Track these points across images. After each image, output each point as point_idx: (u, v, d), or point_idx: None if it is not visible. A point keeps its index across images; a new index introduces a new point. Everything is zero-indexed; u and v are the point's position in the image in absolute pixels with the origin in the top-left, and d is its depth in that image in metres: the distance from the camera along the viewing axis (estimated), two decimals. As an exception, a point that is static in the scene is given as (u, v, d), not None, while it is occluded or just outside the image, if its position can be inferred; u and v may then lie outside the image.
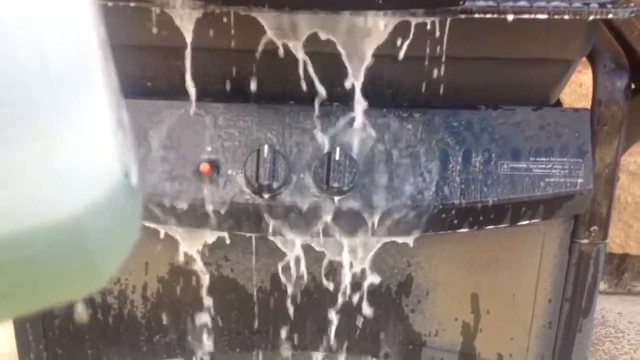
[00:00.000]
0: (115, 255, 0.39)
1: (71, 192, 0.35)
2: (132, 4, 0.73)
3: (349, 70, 0.78)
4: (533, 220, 0.84)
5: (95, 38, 0.37)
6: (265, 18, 0.74)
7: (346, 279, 0.89)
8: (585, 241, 0.88)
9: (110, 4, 0.73)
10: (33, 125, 0.33)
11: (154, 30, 0.76)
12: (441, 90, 0.83)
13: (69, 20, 0.35)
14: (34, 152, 0.33)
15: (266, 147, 0.79)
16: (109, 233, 0.37)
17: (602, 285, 1.57)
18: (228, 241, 0.87)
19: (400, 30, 0.75)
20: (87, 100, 0.36)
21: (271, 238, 0.85)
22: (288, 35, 0.76)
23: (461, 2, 0.69)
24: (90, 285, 0.39)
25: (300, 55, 0.77)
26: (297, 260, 0.88)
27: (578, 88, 1.31)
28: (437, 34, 0.75)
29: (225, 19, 0.75)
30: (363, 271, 0.89)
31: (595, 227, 0.87)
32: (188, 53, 0.79)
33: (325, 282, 0.90)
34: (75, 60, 0.35)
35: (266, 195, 0.80)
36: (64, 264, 0.36)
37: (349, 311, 0.92)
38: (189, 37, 0.76)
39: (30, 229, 0.34)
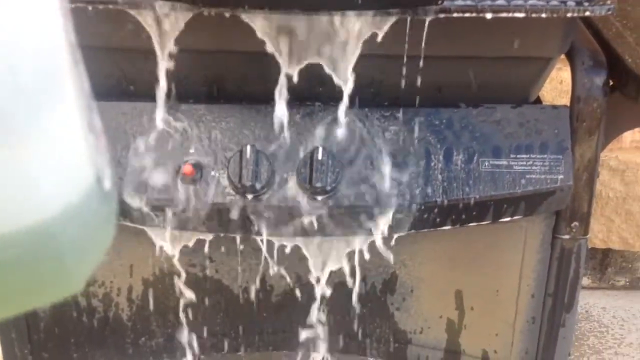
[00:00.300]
0: (88, 260, 0.39)
1: (41, 198, 0.35)
2: (110, 7, 0.73)
3: (330, 70, 0.78)
4: (515, 217, 0.85)
5: (64, 43, 0.36)
6: (246, 19, 0.74)
7: (331, 278, 0.89)
8: (567, 237, 0.88)
9: (89, 7, 0.73)
10: (1, 132, 0.33)
11: (135, 32, 0.76)
12: (422, 89, 0.83)
13: (38, 28, 0.35)
14: (3, 159, 0.33)
15: (249, 147, 0.79)
16: (81, 238, 0.37)
17: (585, 281, 1.59)
18: (212, 242, 0.87)
19: (380, 29, 0.75)
20: (56, 105, 0.35)
21: (255, 239, 0.86)
22: (269, 36, 0.76)
23: (439, 2, 0.69)
24: (63, 290, 0.39)
25: (282, 56, 0.78)
26: (282, 261, 0.88)
27: (559, 85, 1.32)
28: (417, 33, 0.76)
29: (206, 21, 0.75)
30: (347, 270, 0.90)
31: (576, 223, 0.88)
32: (168, 55, 0.79)
33: (309, 282, 0.90)
34: (44, 67, 0.35)
35: (250, 196, 0.81)
36: (35, 270, 0.36)
37: (334, 311, 0.92)
38: (170, 40, 0.76)
39: (1, 235, 0.34)
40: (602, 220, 1.49)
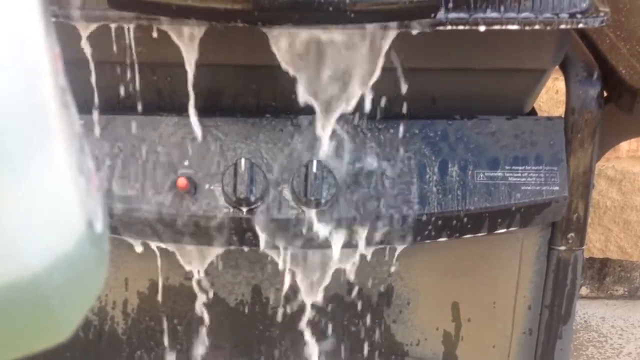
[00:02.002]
0: (78, 306, 0.38)
1: (28, 250, 0.34)
2: (110, 21, 0.73)
3: (324, 83, 0.78)
4: (510, 229, 0.85)
5: (51, 89, 0.36)
6: (240, 33, 0.74)
7: (326, 291, 0.89)
8: (563, 248, 0.88)
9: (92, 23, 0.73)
10: None
11: (131, 46, 0.76)
12: (416, 101, 0.83)
13: (21, 77, 0.34)
14: None
15: (243, 160, 0.79)
16: (71, 285, 0.36)
17: (584, 290, 1.58)
18: (207, 255, 0.87)
19: (374, 42, 0.76)
20: (42, 154, 0.35)
21: (250, 251, 0.86)
22: (264, 50, 0.76)
23: (432, 15, 0.70)
24: (53, 338, 0.38)
25: (277, 69, 0.78)
26: (277, 273, 0.88)
27: (555, 95, 1.33)
28: (411, 45, 0.76)
29: (202, 36, 0.75)
30: (343, 283, 0.89)
31: (572, 234, 0.88)
32: (166, 69, 0.79)
33: (305, 294, 0.90)
34: (29, 116, 0.34)
35: (244, 209, 0.81)
36: (23, 320, 0.35)
37: (330, 323, 0.92)
38: (161, 54, 0.77)
39: None
40: (600, 230, 1.49)
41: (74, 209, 0.37)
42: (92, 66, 0.78)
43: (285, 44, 0.75)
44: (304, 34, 0.74)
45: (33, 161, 0.34)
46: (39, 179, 0.34)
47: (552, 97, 1.33)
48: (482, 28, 0.73)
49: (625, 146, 1.40)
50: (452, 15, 0.73)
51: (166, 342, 0.93)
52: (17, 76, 0.33)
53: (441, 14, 0.72)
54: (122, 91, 0.82)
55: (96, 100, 0.81)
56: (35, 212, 0.34)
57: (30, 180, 0.34)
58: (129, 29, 0.75)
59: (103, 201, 0.40)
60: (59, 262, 0.35)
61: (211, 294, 0.90)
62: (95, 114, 0.81)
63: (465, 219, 0.82)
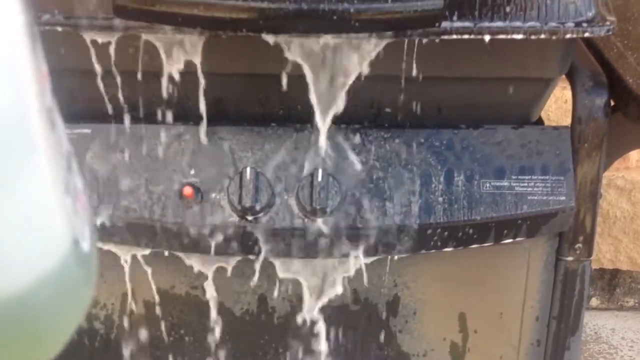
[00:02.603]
0: (63, 325, 0.38)
1: (12, 269, 0.34)
2: (115, 29, 0.74)
3: (330, 92, 0.78)
4: (517, 239, 0.84)
5: (37, 108, 0.35)
6: (246, 42, 0.74)
7: (332, 300, 0.89)
8: (571, 258, 0.88)
9: (89, 32, 0.74)
10: None
11: (135, 55, 0.77)
12: (422, 110, 0.83)
13: (6, 96, 0.34)
14: None
15: (248, 169, 0.80)
16: (56, 305, 0.36)
17: (594, 301, 1.57)
18: (213, 264, 0.87)
19: (380, 51, 0.76)
20: (26, 173, 0.34)
21: (256, 260, 0.85)
22: (269, 58, 0.77)
23: (437, 24, 0.70)
24: (38, 356, 0.37)
25: (282, 78, 0.78)
26: (282, 282, 0.88)
27: (563, 104, 1.32)
28: (416, 54, 0.76)
29: (207, 44, 0.76)
30: (348, 292, 0.89)
31: (580, 245, 0.87)
32: (171, 77, 0.79)
33: (311, 303, 0.89)
34: (14, 136, 0.34)
35: (250, 218, 0.81)
36: (7, 340, 0.35)
37: (336, 332, 0.92)
38: (170, 62, 0.77)
39: None
40: (610, 240, 1.48)
41: (59, 228, 0.36)
42: (99, 75, 0.78)
43: (290, 52, 0.75)
44: (309, 42, 0.74)
45: (17, 180, 0.34)
46: (23, 198, 0.34)
47: (560, 106, 1.33)
48: (487, 37, 0.73)
49: (634, 156, 1.39)
50: (457, 24, 0.73)
51: (172, 351, 0.93)
52: (1, 96, 0.33)
53: (446, 23, 0.72)
54: (128, 100, 0.82)
55: (103, 109, 0.81)
56: (19, 231, 0.34)
57: (15, 199, 0.34)
58: (134, 38, 0.75)
59: (91, 220, 0.39)
60: (43, 281, 0.35)
61: (217, 304, 0.90)
62: (103, 123, 0.82)
63: (471, 229, 0.82)
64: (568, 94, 1.30)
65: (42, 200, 0.35)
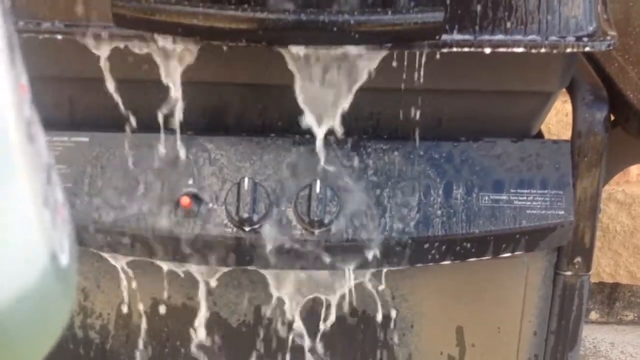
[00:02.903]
0: (41, 341, 0.37)
1: None
2: (113, 38, 0.74)
3: (329, 103, 0.78)
4: (516, 253, 0.84)
5: (14, 121, 0.35)
6: (244, 52, 0.74)
7: (329, 312, 0.88)
8: (569, 273, 0.87)
9: (90, 39, 0.74)
10: None
11: (134, 64, 0.77)
12: (422, 123, 0.83)
13: None
14: None
15: (246, 179, 0.79)
16: (34, 321, 0.35)
17: (593, 315, 1.56)
18: (209, 274, 0.86)
19: (379, 63, 0.75)
20: (1, 187, 0.34)
21: (253, 271, 0.85)
22: (268, 69, 0.76)
23: (437, 37, 0.69)
24: None
25: (282, 88, 0.78)
26: (279, 293, 0.87)
27: (564, 117, 1.32)
28: (416, 67, 0.75)
29: (206, 54, 0.75)
30: (346, 304, 0.88)
31: (579, 259, 0.86)
32: (170, 87, 0.79)
33: (308, 315, 0.89)
34: None
35: (247, 229, 0.80)
36: None
37: (333, 346, 0.91)
38: (167, 72, 0.77)
39: None
40: (610, 254, 1.47)
41: (36, 243, 0.36)
42: (97, 84, 0.78)
43: (290, 63, 0.75)
44: (309, 53, 0.74)
45: None
46: None
47: (561, 119, 1.32)
48: (487, 50, 0.73)
49: (635, 170, 1.39)
50: (458, 37, 0.72)
51: (167, 361, 0.92)
52: None
53: (446, 36, 0.72)
54: (126, 109, 0.82)
55: (101, 117, 0.81)
56: None
57: None
58: (132, 46, 0.75)
59: (71, 232, 0.39)
60: (20, 297, 0.34)
61: (213, 314, 0.90)
62: (101, 132, 0.81)
63: (470, 243, 0.82)
64: (569, 107, 1.30)
65: (19, 214, 0.35)
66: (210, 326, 0.90)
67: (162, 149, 0.82)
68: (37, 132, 0.37)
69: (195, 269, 0.85)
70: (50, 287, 0.36)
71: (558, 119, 1.32)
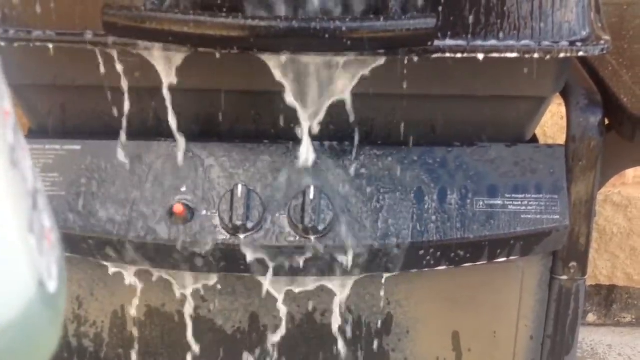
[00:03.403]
0: None
1: None
2: (107, 46, 0.73)
3: (322, 109, 0.78)
4: (511, 257, 0.83)
5: None
6: (237, 59, 0.74)
7: (324, 318, 0.88)
8: (565, 277, 0.87)
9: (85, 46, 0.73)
10: None
11: (128, 72, 0.76)
12: (415, 128, 0.83)
13: None
14: None
15: (240, 186, 0.79)
16: (21, 350, 0.35)
17: (591, 317, 1.56)
18: (204, 282, 0.86)
19: (373, 69, 0.75)
20: None
21: (247, 278, 0.85)
22: (261, 76, 0.76)
23: (429, 43, 0.69)
24: None
25: (275, 94, 0.77)
26: (274, 300, 0.87)
27: (560, 120, 1.31)
28: (409, 73, 0.75)
29: (199, 60, 0.75)
30: (341, 310, 0.88)
31: (575, 263, 0.86)
32: (163, 94, 0.79)
33: (303, 322, 0.89)
34: None
35: (241, 236, 0.80)
36: None
37: (328, 351, 0.91)
38: (161, 78, 0.76)
39: None
40: (607, 257, 1.47)
41: (22, 271, 0.35)
42: (88, 91, 0.78)
43: (282, 70, 0.75)
44: (302, 59, 0.74)
45: None
46: None
47: (557, 122, 1.32)
48: (480, 56, 0.72)
49: (631, 172, 1.39)
50: (450, 42, 0.72)
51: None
52: None
53: (439, 42, 0.72)
54: (119, 116, 0.82)
55: (93, 125, 0.81)
56: None
57: None
58: (124, 54, 0.75)
59: (60, 257, 0.38)
60: (5, 326, 0.34)
61: (207, 321, 0.89)
62: (93, 140, 0.81)
63: (465, 248, 0.81)
64: (564, 110, 1.30)
65: (2, 241, 0.34)
66: (204, 333, 0.90)
67: (154, 157, 0.81)
68: (22, 157, 0.36)
69: (189, 276, 0.85)
70: (37, 315, 0.36)
71: (554, 122, 1.32)
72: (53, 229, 0.38)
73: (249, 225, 0.79)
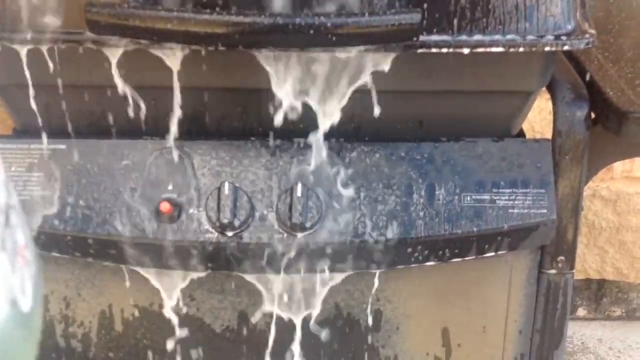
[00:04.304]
0: None
1: None
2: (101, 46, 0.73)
3: (308, 106, 0.78)
4: (499, 252, 0.83)
5: None
6: (223, 56, 0.74)
7: (312, 315, 0.88)
8: (553, 271, 0.87)
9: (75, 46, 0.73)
10: None
11: (116, 70, 0.76)
12: (403, 124, 0.83)
13: None
14: None
15: (227, 184, 0.79)
16: None
17: (581, 311, 1.57)
18: (192, 280, 0.85)
19: (358, 65, 0.75)
20: None
21: (235, 276, 0.84)
22: (247, 72, 0.76)
23: (414, 38, 0.69)
24: None
25: (261, 91, 0.77)
26: (263, 298, 0.87)
27: (548, 115, 1.32)
28: (396, 68, 0.75)
29: (187, 59, 0.75)
30: (330, 307, 0.88)
31: (562, 257, 0.86)
32: (150, 92, 0.79)
33: (292, 319, 0.88)
34: None
35: (229, 233, 0.80)
36: None
37: (318, 348, 0.91)
38: (147, 76, 0.76)
39: None
40: (596, 251, 1.47)
41: None
42: (73, 90, 0.77)
43: (268, 66, 0.75)
44: (286, 56, 0.74)
45: None
46: None
47: (545, 117, 1.32)
48: (465, 51, 0.72)
49: (619, 167, 1.39)
50: (436, 37, 0.72)
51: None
52: None
53: (425, 37, 0.71)
54: (105, 115, 0.81)
55: (78, 124, 0.80)
56: None
57: None
58: (110, 52, 0.74)
59: (36, 274, 0.37)
60: None
61: (196, 320, 0.89)
62: (78, 138, 0.81)
63: (453, 243, 0.81)
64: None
65: None
66: (192, 332, 0.90)
67: (140, 155, 0.81)
68: None
69: (176, 274, 0.85)
70: (10, 334, 0.35)
71: (542, 117, 1.32)
72: (28, 245, 0.37)
73: (236, 223, 0.79)
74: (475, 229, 0.81)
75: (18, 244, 0.36)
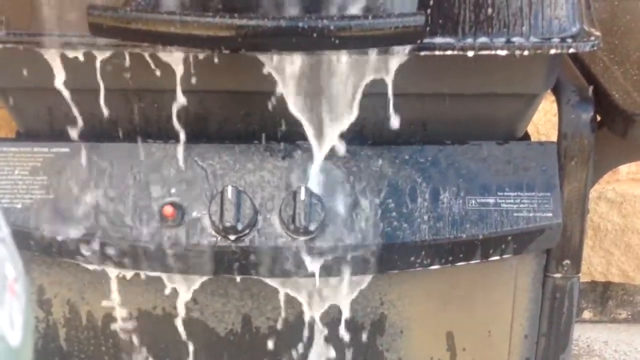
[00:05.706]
0: None
1: None
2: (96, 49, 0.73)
3: (312, 109, 0.77)
4: (504, 256, 0.83)
5: None
6: (226, 59, 0.73)
7: (317, 319, 0.87)
8: (558, 275, 0.86)
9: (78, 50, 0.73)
10: None
11: (114, 73, 0.76)
12: (407, 127, 0.82)
13: None
14: None
15: (230, 188, 0.78)
16: None
17: (586, 314, 1.56)
18: (195, 284, 0.85)
19: (362, 68, 0.75)
20: None
21: (238, 280, 0.84)
22: (251, 76, 0.76)
23: (418, 41, 0.68)
24: None
25: (265, 95, 0.77)
26: (266, 302, 0.86)
27: (553, 117, 1.31)
28: (400, 71, 0.75)
29: (189, 62, 0.74)
30: (334, 311, 0.88)
31: (568, 261, 0.86)
32: (153, 96, 0.78)
33: (295, 323, 0.88)
34: None
35: (232, 237, 0.79)
36: None
37: (321, 352, 0.90)
38: (152, 80, 0.76)
39: None
40: (602, 253, 1.47)
41: None
42: (75, 94, 0.77)
43: (271, 69, 0.74)
44: (290, 59, 0.73)
45: None
46: None
47: (550, 119, 1.32)
48: (470, 53, 0.72)
49: (625, 169, 1.38)
50: (440, 40, 0.72)
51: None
52: None
53: (429, 40, 0.71)
54: (108, 118, 0.81)
55: (82, 127, 0.80)
56: None
57: None
58: (112, 55, 0.74)
59: (26, 307, 0.37)
60: None
61: (200, 324, 0.89)
62: (81, 142, 0.80)
63: (457, 247, 0.81)
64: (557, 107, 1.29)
65: None
66: (196, 335, 0.89)
67: (144, 159, 0.81)
68: None
69: (179, 278, 0.84)
70: None
71: (547, 119, 1.31)
72: (18, 278, 0.36)
73: (240, 226, 0.79)
74: (480, 233, 0.80)
75: (7, 278, 0.36)
